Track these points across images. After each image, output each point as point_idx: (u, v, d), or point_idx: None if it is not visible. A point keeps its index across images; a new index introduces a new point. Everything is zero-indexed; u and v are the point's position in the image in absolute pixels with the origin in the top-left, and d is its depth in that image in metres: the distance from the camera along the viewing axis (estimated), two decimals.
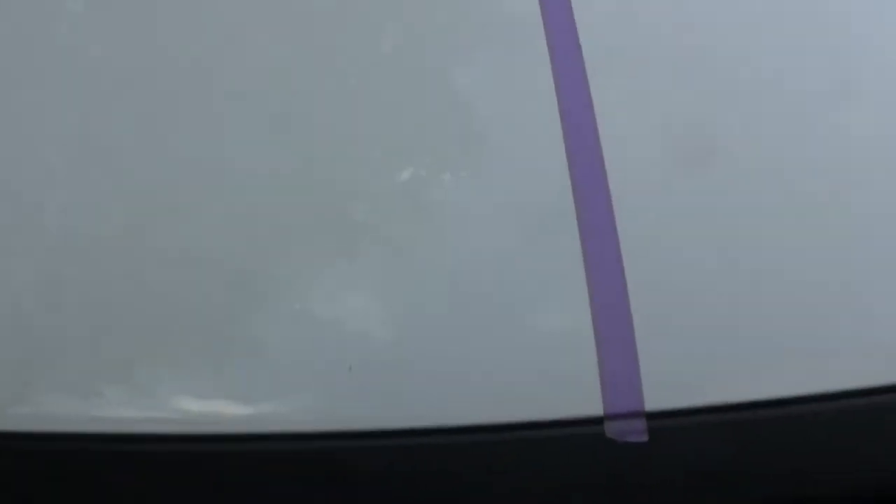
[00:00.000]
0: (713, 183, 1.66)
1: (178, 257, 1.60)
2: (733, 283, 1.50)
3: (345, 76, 2.02)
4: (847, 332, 1.47)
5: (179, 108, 1.89)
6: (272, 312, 1.56)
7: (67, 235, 1.69)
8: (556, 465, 1.38)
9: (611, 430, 1.37)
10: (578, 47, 1.96)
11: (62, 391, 1.48)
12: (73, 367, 1.49)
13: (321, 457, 1.40)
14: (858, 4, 1.99)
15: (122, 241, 1.64)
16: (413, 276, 1.57)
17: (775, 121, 1.86)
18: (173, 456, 1.40)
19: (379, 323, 1.52)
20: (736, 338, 1.45)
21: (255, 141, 1.85)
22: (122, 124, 1.83)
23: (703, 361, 1.44)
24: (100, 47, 1.93)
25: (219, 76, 1.93)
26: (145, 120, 1.84)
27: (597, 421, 1.37)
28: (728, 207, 1.61)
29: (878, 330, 1.48)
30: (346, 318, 1.54)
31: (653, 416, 1.38)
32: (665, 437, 1.37)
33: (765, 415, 1.38)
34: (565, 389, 1.41)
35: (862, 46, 1.93)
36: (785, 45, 1.93)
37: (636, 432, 1.38)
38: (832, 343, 1.45)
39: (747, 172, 1.68)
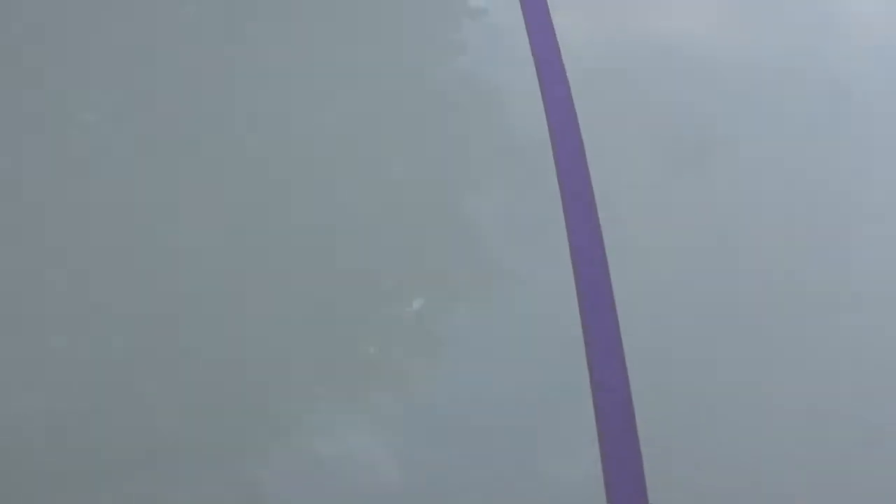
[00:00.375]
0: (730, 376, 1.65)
1: (181, 410, 1.58)
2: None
3: (357, 208, 2.02)
4: None
5: (188, 255, 1.88)
6: (277, 465, 1.53)
7: (71, 390, 1.67)
8: None
9: None
10: (590, 185, 1.98)
11: None
12: None
13: None
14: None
15: (125, 393, 1.61)
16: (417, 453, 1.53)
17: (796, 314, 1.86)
18: None
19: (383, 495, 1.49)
20: None
21: (265, 283, 1.83)
22: (125, 286, 1.81)
23: None
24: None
25: (232, 220, 1.92)
26: (148, 276, 1.82)
27: None
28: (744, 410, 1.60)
29: None
30: (353, 475, 1.52)
31: None
32: None
33: None
34: None
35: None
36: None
37: None
38: None
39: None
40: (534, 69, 2.10)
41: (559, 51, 2.13)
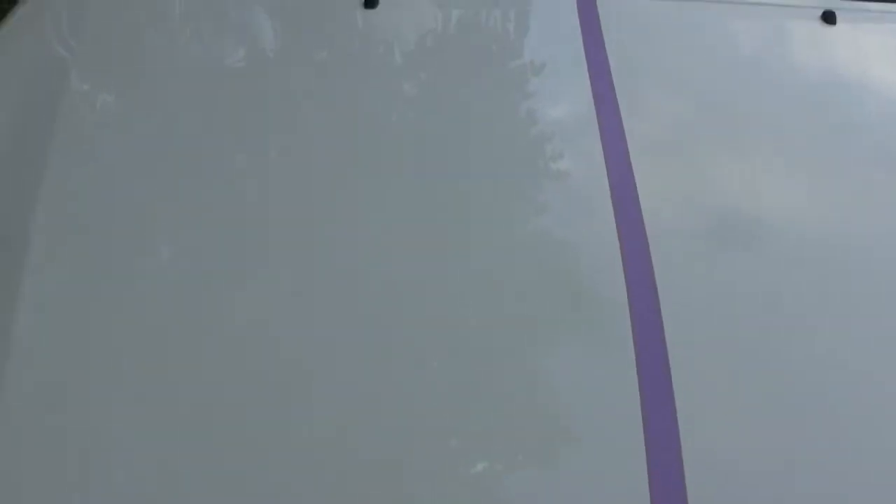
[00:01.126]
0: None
1: None
2: None
3: (419, 362, 1.99)
4: None
5: (254, 385, 1.87)
6: None
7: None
8: None
9: None
10: (664, 346, 1.95)
11: None
12: None
13: None
14: None
15: None
16: None
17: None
18: None
19: None
20: None
21: (329, 435, 1.80)
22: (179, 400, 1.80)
23: None
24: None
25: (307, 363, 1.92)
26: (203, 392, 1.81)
27: None
28: None
29: None
30: None
31: None
32: None
33: None
34: None
35: None
36: None
37: None
38: None
39: None
40: (617, 242, 2.11)
41: (643, 219, 2.15)
